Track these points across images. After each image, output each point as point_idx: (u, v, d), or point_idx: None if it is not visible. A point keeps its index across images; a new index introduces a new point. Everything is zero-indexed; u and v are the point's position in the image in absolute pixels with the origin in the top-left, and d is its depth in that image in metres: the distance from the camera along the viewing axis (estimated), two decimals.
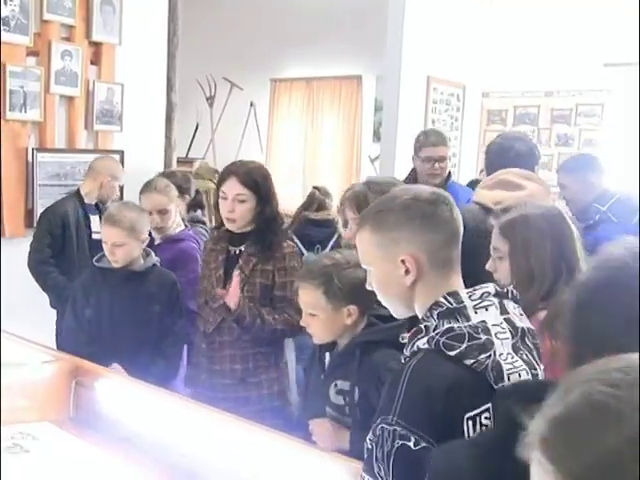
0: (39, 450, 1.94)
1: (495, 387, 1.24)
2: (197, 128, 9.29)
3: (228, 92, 9.40)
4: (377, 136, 8.66)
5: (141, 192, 3.17)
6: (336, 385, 1.90)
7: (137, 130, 4.34)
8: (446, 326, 1.27)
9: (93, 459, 1.90)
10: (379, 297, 1.40)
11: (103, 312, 2.59)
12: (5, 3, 3.57)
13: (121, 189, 4.11)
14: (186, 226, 3.24)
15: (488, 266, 1.90)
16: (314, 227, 3.55)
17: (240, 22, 9.04)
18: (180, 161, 6.34)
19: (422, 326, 1.30)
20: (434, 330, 1.27)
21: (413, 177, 3.61)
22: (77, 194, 3.57)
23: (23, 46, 3.75)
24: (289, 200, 9.52)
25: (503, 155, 2.87)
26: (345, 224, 2.37)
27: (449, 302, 1.30)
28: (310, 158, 9.45)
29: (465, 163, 6.84)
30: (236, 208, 2.46)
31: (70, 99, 4.03)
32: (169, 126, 4.65)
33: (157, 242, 3.09)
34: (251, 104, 9.57)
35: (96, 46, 4.12)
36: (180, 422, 1.88)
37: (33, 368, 2.16)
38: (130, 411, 2.02)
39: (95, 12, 4.01)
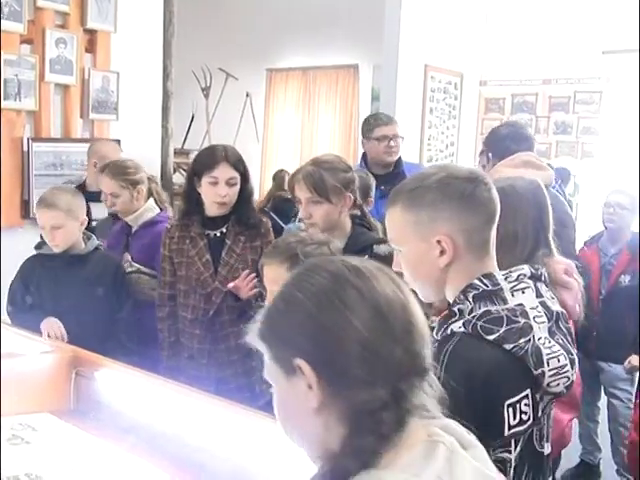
0: (40, 441, 1.91)
1: (535, 373, 1.21)
2: (193, 119, 9.23)
3: (223, 83, 9.34)
4: None
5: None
6: None
7: (133, 119, 4.28)
8: (483, 309, 1.23)
9: (94, 450, 1.87)
10: (407, 279, 1.34)
11: (46, 298, 2.57)
12: None
13: None
14: (161, 209, 3.14)
15: None
16: (288, 203, 3.90)
17: (235, 11, 8.98)
18: (176, 152, 6.28)
19: (455, 309, 1.26)
20: (469, 313, 1.24)
21: (364, 163, 3.61)
22: (83, 183, 3.59)
23: (17, 34, 3.68)
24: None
25: (521, 142, 2.92)
26: (299, 204, 2.36)
27: (485, 284, 1.26)
28: (307, 148, 9.41)
29: (463, 151, 6.82)
30: (229, 192, 2.48)
31: (65, 87, 3.97)
32: (165, 115, 4.60)
33: (134, 229, 3.06)
34: (247, 94, 9.52)
35: (91, 34, 4.05)
36: (182, 411, 1.85)
37: (32, 359, 2.13)
38: (131, 401, 1.99)
39: None
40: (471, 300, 1.25)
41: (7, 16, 3.59)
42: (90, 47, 4.07)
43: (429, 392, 0.88)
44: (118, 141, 4.16)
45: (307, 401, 0.85)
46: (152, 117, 4.48)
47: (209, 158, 2.52)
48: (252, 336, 0.95)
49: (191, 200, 2.55)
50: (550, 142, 7.22)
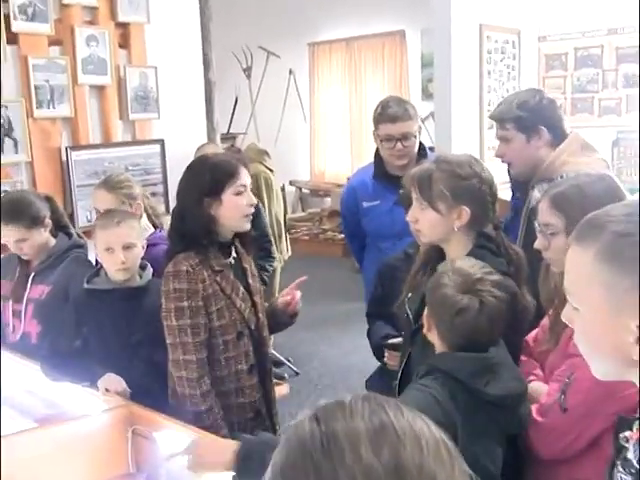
0: None
1: None
2: (236, 102, 8.98)
3: (265, 61, 9.06)
4: (426, 93, 8.22)
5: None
6: None
7: (176, 115, 4.02)
8: None
9: None
10: (580, 346, 0.99)
11: (108, 338, 2.24)
12: None
13: None
14: (156, 227, 2.82)
15: (537, 244, 1.73)
16: None
17: None
18: (222, 138, 6.01)
19: None
20: None
21: (378, 158, 2.91)
22: None
23: (44, 35, 3.43)
24: (339, 170, 9.20)
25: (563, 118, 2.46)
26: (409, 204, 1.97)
27: None
28: (356, 122, 9.06)
29: None
30: (254, 200, 2.12)
31: (101, 89, 3.72)
32: (210, 107, 4.30)
33: None
34: (290, 72, 9.23)
35: (123, 27, 3.78)
36: None
37: (85, 422, 1.86)
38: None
39: None
40: None
41: (32, 17, 3.34)
42: (123, 42, 3.82)
43: None
44: (162, 141, 3.91)
45: None
46: (196, 111, 4.21)
47: (229, 165, 2.08)
48: None
49: (206, 227, 2.06)
50: (620, 97, 6.79)
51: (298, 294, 2.20)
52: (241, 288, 2.10)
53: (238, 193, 2.05)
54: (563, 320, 1.01)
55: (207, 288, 2.02)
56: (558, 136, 2.36)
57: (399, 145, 2.74)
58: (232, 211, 2.05)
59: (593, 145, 2.44)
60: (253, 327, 2.11)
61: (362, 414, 0.69)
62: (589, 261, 0.93)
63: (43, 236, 2.54)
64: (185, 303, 1.99)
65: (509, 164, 2.44)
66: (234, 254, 2.14)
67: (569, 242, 0.99)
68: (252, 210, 2.09)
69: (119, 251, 2.22)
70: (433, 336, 1.64)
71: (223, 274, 2.06)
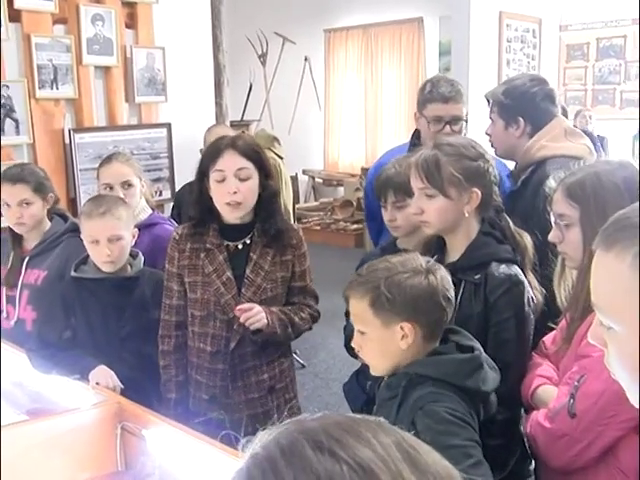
0: None
1: None
2: (251, 88, 8.87)
3: (280, 48, 8.93)
4: None
5: (100, 165, 2.70)
6: None
7: (184, 99, 3.90)
8: None
9: None
10: (617, 373, 0.85)
11: (97, 329, 2.15)
12: None
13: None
14: (153, 210, 2.72)
15: (551, 237, 1.63)
16: None
17: None
18: (234, 125, 5.91)
19: None
20: None
21: (415, 142, 2.70)
22: None
23: (48, 13, 3.31)
24: (353, 159, 9.07)
25: (555, 103, 2.39)
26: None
27: None
28: (372, 111, 8.92)
29: None
30: (240, 187, 1.98)
31: (106, 70, 3.61)
32: (219, 91, 4.19)
33: None
34: (305, 59, 9.11)
35: (130, 6, 3.66)
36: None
37: (73, 416, 1.76)
38: (186, 463, 1.61)
39: None
40: None
41: None
42: (130, 22, 3.69)
43: None
44: (169, 125, 3.81)
45: None
46: (204, 95, 4.08)
47: (213, 147, 2.03)
48: None
49: (203, 205, 2.07)
50: None
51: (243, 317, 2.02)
52: (227, 273, 2.03)
53: (218, 179, 1.99)
54: (592, 342, 0.86)
55: (183, 259, 2.09)
56: (539, 128, 2.30)
57: (447, 128, 2.52)
58: (216, 198, 2.03)
59: (580, 132, 2.39)
60: (231, 315, 2.01)
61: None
62: (626, 268, 0.78)
63: (43, 212, 2.46)
64: (167, 266, 2.14)
65: (492, 143, 2.40)
66: (247, 240, 2.06)
67: (593, 250, 0.85)
68: (234, 199, 1.98)
69: (104, 244, 2.12)
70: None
71: (211, 252, 2.05)
